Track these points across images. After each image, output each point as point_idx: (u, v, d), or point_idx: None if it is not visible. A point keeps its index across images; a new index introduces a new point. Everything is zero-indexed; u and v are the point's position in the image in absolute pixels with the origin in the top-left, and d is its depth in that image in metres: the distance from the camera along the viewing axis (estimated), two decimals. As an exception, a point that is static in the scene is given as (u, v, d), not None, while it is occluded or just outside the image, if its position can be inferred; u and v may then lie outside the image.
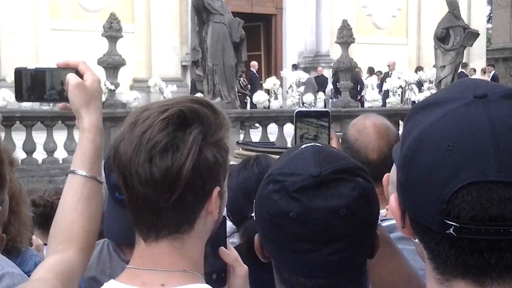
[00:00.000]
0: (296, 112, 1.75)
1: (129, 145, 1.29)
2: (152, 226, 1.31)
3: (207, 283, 1.38)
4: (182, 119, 1.29)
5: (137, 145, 1.27)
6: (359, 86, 19.47)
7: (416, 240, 1.03)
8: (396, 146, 1.29)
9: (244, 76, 19.50)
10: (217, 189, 1.34)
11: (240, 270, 1.50)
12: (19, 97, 1.66)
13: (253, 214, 2.19)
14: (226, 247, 1.51)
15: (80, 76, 1.62)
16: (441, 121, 0.95)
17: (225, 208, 2.48)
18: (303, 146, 1.41)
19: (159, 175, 1.26)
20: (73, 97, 1.60)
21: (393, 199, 1.05)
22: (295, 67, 22.07)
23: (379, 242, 1.37)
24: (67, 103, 1.63)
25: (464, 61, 16.43)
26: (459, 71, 22.09)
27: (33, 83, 1.64)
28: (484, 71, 24.77)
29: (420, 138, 0.96)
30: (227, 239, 1.56)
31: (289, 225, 1.27)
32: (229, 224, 2.36)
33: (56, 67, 1.66)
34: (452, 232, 0.92)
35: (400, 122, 13.39)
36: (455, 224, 0.92)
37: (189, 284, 1.31)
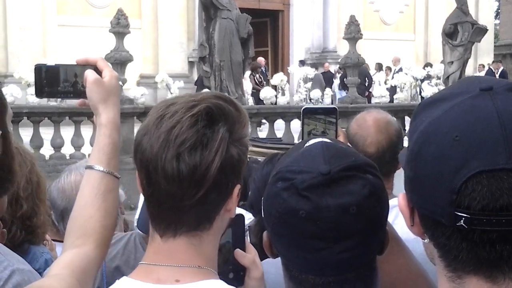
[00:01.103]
0: (304, 109, 1.74)
1: (155, 140, 1.28)
2: (172, 223, 1.31)
3: (223, 280, 1.38)
4: (210, 116, 1.29)
5: (164, 140, 1.27)
6: (367, 82, 19.43)
7: (426, 240, 1.01)
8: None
9: (260, 71, 19.55)
10: (238, 186, 1.34)
11: (255, 273, 1.49)
12: (39, 93, 1.69)
13: None
14: (245, 245, 1.50)
15: (99, 73, 1.64)
16: (448, 114, 0.95)
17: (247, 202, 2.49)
18: (311, 142, 1.39)
19: (187, 172, 1.25)
20: (91, 93, 1.61)
21: (401, 197, 1.03)
22: (302, 63, 22.07)
23: (388, 238, 1.35)
24: (86, 100, 1.64)
25: (471, 57, 16.37)
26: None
27: (49, 79, 1.66)
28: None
29: (427, 131, 0.96)
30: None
31: (299, 223, 1.26)
32: (249, 215, 2.38)
33: (74, 63, 1.67)
34: (463, 224, 0.91)
35: (407, 118, 13.39)
36: (465, 215, 0.90)
37: (203, 280, 1.31)
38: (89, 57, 1.67)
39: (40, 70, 1.66)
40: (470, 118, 0.93)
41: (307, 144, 1.40)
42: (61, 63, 1.70)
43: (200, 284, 1.30)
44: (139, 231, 2.25)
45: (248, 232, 2.26)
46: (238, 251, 1.48)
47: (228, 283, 1.40)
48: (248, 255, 1.48)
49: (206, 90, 12.19)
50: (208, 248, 1.34)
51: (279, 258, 1.88)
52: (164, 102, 1.36)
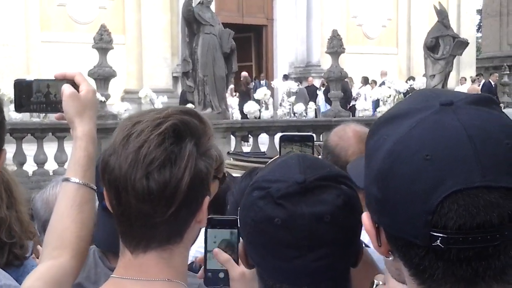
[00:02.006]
0: (281, 137, 1.79)
1: (123, 160, 1.29)
2: (143, 239, 1.32)
3: (213, 281, 1.45)
4: (177, 133, 1.30)
5: (132, 161, 1.28)
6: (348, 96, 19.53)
7: (390, 258, 1.01)
8: (354, 164, 1.28)
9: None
10: (207, 198, 1.36)
11: (232, 272, 1.52)
12: (18, 108, 1.71)
13: None
14: (237, 250, 1.52)
15: (77, 87, 1.67)
16: (414, 131, 0.93)
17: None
18: (287, 156, 1.43)
19: (157, 190, 1.27)
20: (67, 106, 1.64)
21: (365, 217, 1.02)
22: (286, 77, 22.14)
23: (362, 251, 1.37)
24: (63, 113, 1.67)
25: (454, 70, 16.51)
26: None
27: (26, 93, 1.69)
28: (473, 80, 24.97)
29: (395, 150, 0.94)
30: None
31: (274, 231, 1.27)
32: None
33: (51, 78, 1.70)
34: (440, 244, 0.90)
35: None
36: (442, 235, 0.89)
37: None
38: (67, 72, 1.70)
39: (20, 85, 1.69)
40: (438, 135, 0.91)
41: (282, 158, 1.44)
42: (38, 78, 1.74)
43: None
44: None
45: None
46: (215, 250, 1.52)
47: (220, 283, 1.48)
48: (224, 254, 1.52)
49: (189, 104, 12.21)
50: (178, 260, 1.36)
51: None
52: (129, 120, 1.36)
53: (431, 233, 0.90)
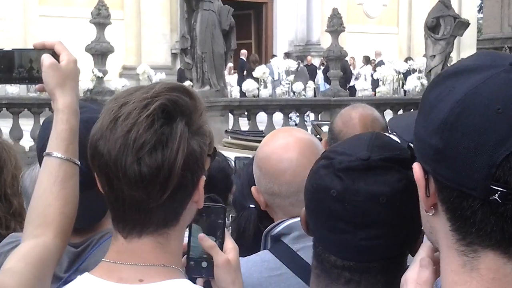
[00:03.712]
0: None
1: (112, 145, 1.23)
2: (137, 224, 1.27)
3: (196, 271, 1.39)
4: (167, 113, 1.24)
5: (122, 146, 1.22)
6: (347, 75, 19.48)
7: (430, 213, 1.01)
8: (396, 120, 1.26)
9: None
10: (203, 178, 1.31)
11: (217, 259, 1.45)
12: None
13: (251, 205, 2.19)
14: (223, 237, 1.48)
15: (57, 57, 1.59)
16: (485, 85, 0.92)
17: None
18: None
19: (150, 175, 1.21)
20: (47, 77, 1.57)
21: (417, 166, 1.01)
22: (287, 55, 22.03)
23: (422, 240, 1.33)
24: (43, 85, 1.60)
25: (454, 50, 16.43)
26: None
27: (5, 64, 1.62)
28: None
29: (465, 101, 0.92)
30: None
31: (329, 201, 1.29)
32: None
33: (29, 48, 1.63)
34: (497, 198, 0.89)
35: (390, 111, 13.43)
36: (502, 189, 0.89)
37: (168, 280, 1.28)
38: (46, 41, 1.62)
39: None
40: (510, 92, 0.91)
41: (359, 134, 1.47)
42: (16, 48, 1.67)
43: (164, 284, 1.27)
44: None
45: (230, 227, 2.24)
46: (201, 235, 1.45)
47: (202, 273, 1.41)
48: (209, 240, 1.45)
49: (187, 82, 12.14)
50: (174, 244, 1.31)
51: (250, 257, 1.88)
52: (114, 101, 1.29)
53: (491, 186, 0.89)
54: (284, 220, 1.85)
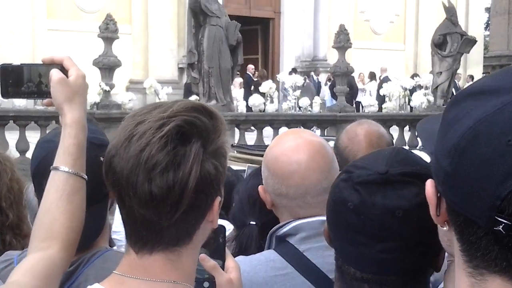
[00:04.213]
0: None
1: (125, 164, 1.22)
2: (148, 242, 1.26)
3: None
4: (181, 135, 1.23)
5: (134, 165, 1.21)
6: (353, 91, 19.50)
7: (445, 228, 0.99)
8: (424, 125, 1.24)
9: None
10: (218, 199, 1.29)
11: (220, 279, 1.44)
12: (4, 94, 1.66)
13: (252, 222, 2.19)
14: (224, 257, 1.47)
15: (66, 72, 1.61)
16: (500, 113, 0.89)
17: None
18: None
19: (160, 195, 1.20)
20: (56, 92, 1.58)
21: (429, 184, 1.00)
22: (294, 71, 22.07)
23: (443, 256, 1.35)
24: (51, 99, 1.61)
25: (461, 68, 16.43)
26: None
27: (14, 79, 1.63)
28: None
29: (477, 128, 0.90)
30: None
31: (346, 214, 1.32)
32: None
33: (38, 63, 1.64)
34: (501, 230, 0.87)
35: (396, 127, 13.42)
36: (506, 222, 0.87)
37: None
38: (55, 56, 1.63)
39: (6, 70, 1.64)
40: None
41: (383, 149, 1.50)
42: (25, 63, 1.68)
43: None
44: None
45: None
46: (202, 256, 1.43)
47: None
48: (210, 260, 1.44)
49: (194, 96, 12.17)
50: (186, 262, 1.29)
51: (254, 256, 1.88)
52: (132, 118, 1.28)
53: (496, 217, 0.88)
54: (291, 221, 1.86)
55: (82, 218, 1.57)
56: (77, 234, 1.56)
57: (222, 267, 1.46)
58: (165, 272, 1.27)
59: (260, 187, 1.96)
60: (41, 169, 1.76)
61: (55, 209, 1.52)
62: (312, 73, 20.26)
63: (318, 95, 19.10)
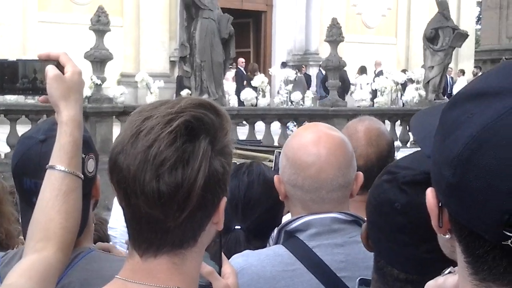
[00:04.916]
0: None
1: (132, 160, 1.19)
2: (153, 243, 1.23)
3: None
4: (190, 130, 1.20)
5: (141, 162, 1.18)
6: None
7: (447, 236, 0.96)
8: (419, 119, 1.16)
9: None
10: (224, 199, 1.27)
11: (217, 285, 1.42)
12: (0, 90, 1.65)
13: (237, 227, 2.17)
14: (221, 261, 1.45)
15: (62, 68, 1.58)
16: (505, 120, 0.84)
17: None
18: None
19: (168, 193, 1.17)
20: (51, 89, 1.56)
21: (430, 193, 0.96)
22: (284, 65, 22.05)
23: None
24: (47, 96, 1.59)
25: (452, 62, 16.47)
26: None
27: (9, 75, 1.61)
28: (474, 74, 24.92)
29: (481, 137, 0.85)
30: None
31: (393, 214, 1.32)
32: None
33: (34, 58, 1.63)
34: (510, 244, 0.84)
35: (388, 122, 13.43)
36: None
37: None
38: (51, 52, 1.61)
39: (2, 66, 1.61)
40: None
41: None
42: (21, 58, 1.66)
43: None
44: None
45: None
46: None
47: None
48: (207, 266, 1.41)
49: (186, 90, 12.13)
50: (190, 266, 1.26)
51: (262, 251, 1.87)
52: (138, 114, 1.25)
53: (504, 231, 0.84)
54: (301, 216, 1.86)
55: (78, 218, 1.56)
56: (73, 234, 1.54)
57: (219, 272, 1.44)
58: (169, 276, 1.24)
59: (276, 177, 1.97)
60: (20, 166, 1.74)
61: (50, 209, 1.51)
62: (297, 72, 20.19)
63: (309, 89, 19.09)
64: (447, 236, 0.96)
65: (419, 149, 1.23)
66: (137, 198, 1.19)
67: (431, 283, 1.14)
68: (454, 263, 1.25)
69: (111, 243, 2.29)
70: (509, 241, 0.84)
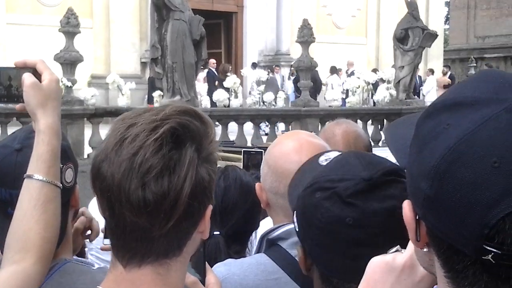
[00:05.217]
0: None
1: (116, 169, 1.16)
2: (137, 253, 1.20)
3: None
4: (176, 138, 1.17)
5: (127, 169, 1.15)
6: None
7: (425, 249, 0.93)
8: (393, 129, 1.14)
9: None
10: (210, 207, 1.25)
11: None
12: None
13: (216, 232, 2.16)
14: (205, 271, 1.43)
15: (39, 76, 1.56)
16: (482, 131, 0.82)
17: None
18: (334, 154, 1.44)
19: (155, 202, 1.15)
20: (29, 97, 1.54)
21: (407, 206, 0.93)
22: (254, 65, 22.06)
23: None
24: (24, 104, 1.56)
25: (422, 61, 16.61)
26: (451, 74, 22.46)
27: None
28: (444, 73, 25.22)
29: (457, 149, 0.83)
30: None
31: (346, 231, 1.27)
32: None
33: (9, 66, 1.61)
34: (491, 259, 0.81)
35: (360, 121, 13.52)
36: (496, 251, 0.80)
37: None
38: (28, 59, 1.59)
39: None
40: (510, 141, 0.80)
41: (334, 155, 1.45)
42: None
43: None
44: None
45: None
46: None
47: None
48: (191, 276, 1.40)
49: (158, 91, 12.06)
50: (175, 276, 1.24)
51: (244, 259, 1.86)
52: (122, 121, 1.22)
53: (484, 246, 0.81)
54: (284, 225, 1.85)
55: (57, 228, 1.53)
56: (52, 245, 1.52)
57: (203, 282, 1.43)
58: (154, 287, 1.21)
59: (257, 185, 1.97)
60: None
61: (29, 219, 1.48)
62: (269, 72, 20.19)
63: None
64: (425, 249, 0.94)
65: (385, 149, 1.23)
66: (122, 207, 1.16)
67: (378, 259, 1.13)
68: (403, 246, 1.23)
69: (86, 249, 2.25)
70: (490, 256, 0.81)
